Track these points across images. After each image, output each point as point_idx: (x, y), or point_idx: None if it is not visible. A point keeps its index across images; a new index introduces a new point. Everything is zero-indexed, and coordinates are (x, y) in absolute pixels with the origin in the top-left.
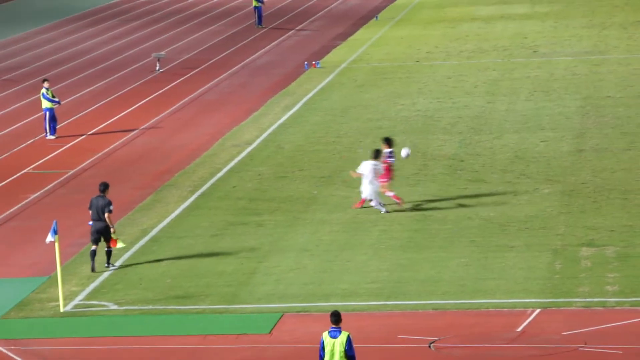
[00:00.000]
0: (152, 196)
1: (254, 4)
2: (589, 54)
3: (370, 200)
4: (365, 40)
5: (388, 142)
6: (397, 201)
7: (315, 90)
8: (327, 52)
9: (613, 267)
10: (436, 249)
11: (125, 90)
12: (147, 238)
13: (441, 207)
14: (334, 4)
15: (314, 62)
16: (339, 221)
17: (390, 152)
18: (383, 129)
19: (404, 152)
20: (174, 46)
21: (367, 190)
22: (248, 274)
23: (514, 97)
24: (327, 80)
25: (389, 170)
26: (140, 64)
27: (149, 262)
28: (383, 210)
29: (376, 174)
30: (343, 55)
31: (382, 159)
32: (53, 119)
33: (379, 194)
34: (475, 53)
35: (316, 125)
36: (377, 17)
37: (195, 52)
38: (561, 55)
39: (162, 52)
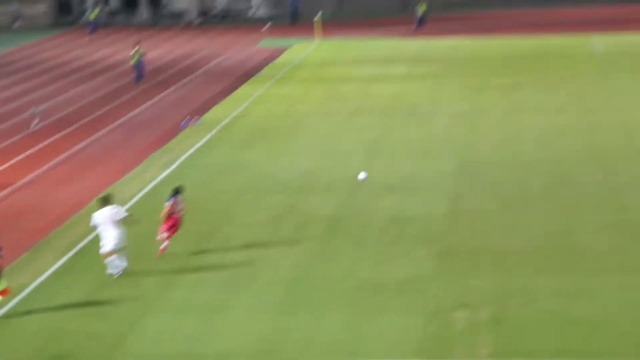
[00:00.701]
0: (27, 254)
1: (133, 61)
2: (466, 115)
3: (114, 251)
4: (246, 98)
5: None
6: (161, 249)
7: (196, 147)
8: (208, 109)
9: (487, 329)
10: (312, 310)
11: (1, 145)
12: (18, 298)
13: (318, 267)
14: (216, 61)
15: (194, 119)
16: (215, 280)
17: (175, 198)
18: (262, 188)
19: (361, 175)
20: (53, 101)
21: (112, 240)
22: (121, 334)
23: (393, 157)
24: (207, 137)
25: (173, 219)
26: (17, 119)
27: (20, 319)
28: (118, 271)
29: (114, 219)
30: (224, 112)
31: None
32: None
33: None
34: (354, 113)
35: (195, 183)
36: (257, 75)
37: (74, 107)
38: (439, 116)
39: (40, 107)
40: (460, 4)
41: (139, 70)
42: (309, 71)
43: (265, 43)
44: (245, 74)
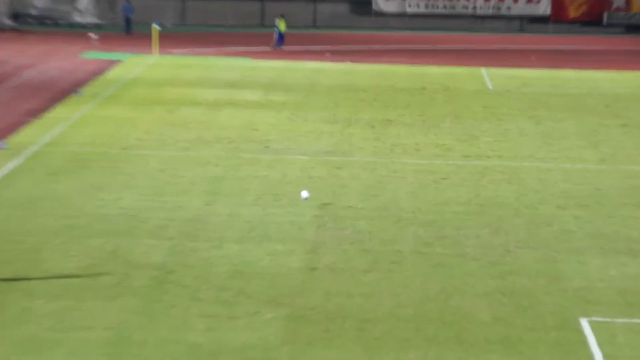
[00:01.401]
0: None
1: None
2: (329, 154)
3: None
4: (63, 119)
5: None
6: None
7: None
8: (16, 131)
9: None
10: None
11: None
12: None
13: (141, 328)
14: (30, 73)
15: None
16: (13, 340)
17: None
18: (77, 228)
19: (304, 193)
20: None
21: None
22: None
23: (239, 199)
24: (13, 164)
25: None
26: None
27: None
28: None
29: None
30: (35, 135)
31: None
32: None
33: None
34: (195, 144)
35: None
36: (79, 92)
37: None
38: (297, 153)
39: None
40: (331, 23)
41: None
42: (142, 91)
43: (92, 54)
44: (65, 90)
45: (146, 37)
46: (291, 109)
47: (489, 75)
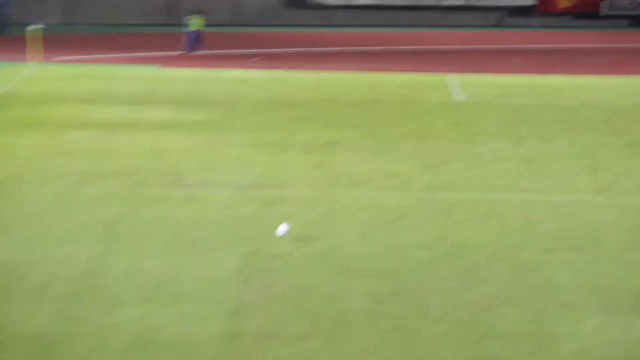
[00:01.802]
0: None
1: None
2: (257, 187)
3: None
4: None
5: None
6: None
7: None
8: None
9: None
10: None
11: None
12: None
13: None
14: None
15: None
16: None
17: None
18: None
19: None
20: None
21: None
22: None
23: (142, 248)
24: None
25: None
26: None
27: None
28: None
29: None
30: None
31: None
32: None
33: None
34: (86, 177)
35: None
36: None
37: None
38: (217, 187)
39: None
40: (259, 20)
41: None
42: (17, 111)
43: None
44: None
45: (22, 39)
46: (209, 130)
47: (459, 83)
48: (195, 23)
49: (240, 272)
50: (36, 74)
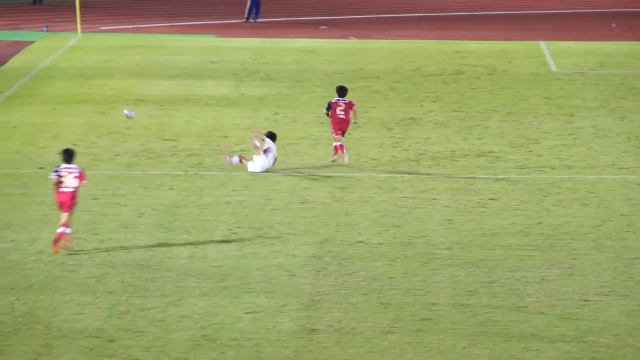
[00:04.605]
0: None
1: None
2: (329, 169)
3: None
4: None
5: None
6: None
7: None
8: None
9: None
10: None
11: None
12: None
13: None
14: None
15: None
16: None
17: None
18: None
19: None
20: None
21: None
22: None
23: (204, 235)
24: None
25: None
26: None
27: None
28: None
29: None
30: None
31: None
32: None
33: None
34: (140, 158)
35: None
36: None
37: None
38: (284, 169)
39: None
40: None
41: None
42: (62, 85)
43: None
44: None
45: (64, 7)
46: (273, 106)
47: (552, 52)
48: None
49: (315, 261)
50: (79, 46)
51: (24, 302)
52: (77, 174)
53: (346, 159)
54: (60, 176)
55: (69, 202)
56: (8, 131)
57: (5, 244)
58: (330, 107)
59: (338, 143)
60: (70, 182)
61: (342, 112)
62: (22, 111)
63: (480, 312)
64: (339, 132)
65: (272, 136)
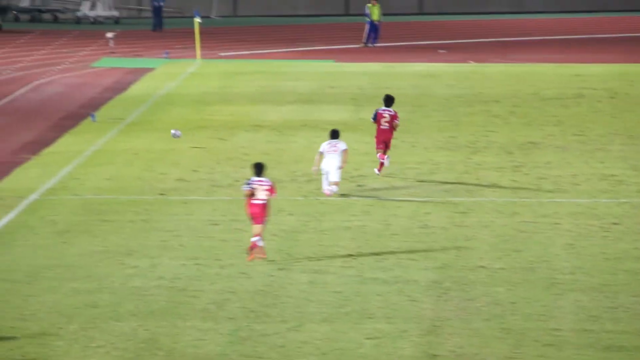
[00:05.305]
0: None
1: None
2: (450, 193)
3: None
4: (72, 156)
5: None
6: None
7: None
8: (7, 174)
9: None
10: None
11: None
12: None
13: None
14: (23, 90)
15: None
16: None
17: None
18: (99, 308)
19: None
20: None
21: None
22: None
23: (324, 260)
24: (6, 219)
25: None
26: None
27: None
28: None
29: None
30: (35, 179)
31: None
32: None
33: None
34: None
35: None
36: (93, 117)
37: None
38: (404, 193)
39: None
40: (444, 8)
41: None
42: (182, 111)
43: (109, 62)
44: (72, 115)
45: (183, 34)
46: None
47: None
48: (373, 12)
49: (435, 286)
50: (198, 72)
51: (145, 329)
52: (268, 187)
53: (386, 162)
54: (253, 188)
55: (261, 214)
56: (130, 157)
57: (128, 270)
58: (376, 116)
59: (381, 160)
60: (261, 194)
61: (387, 124)
62: (143, 137)
63: (604, 337)
64: (382, 145)
65: (334, 134)
